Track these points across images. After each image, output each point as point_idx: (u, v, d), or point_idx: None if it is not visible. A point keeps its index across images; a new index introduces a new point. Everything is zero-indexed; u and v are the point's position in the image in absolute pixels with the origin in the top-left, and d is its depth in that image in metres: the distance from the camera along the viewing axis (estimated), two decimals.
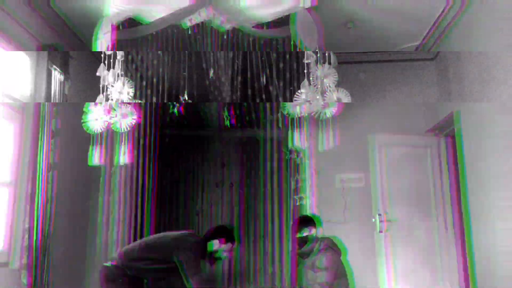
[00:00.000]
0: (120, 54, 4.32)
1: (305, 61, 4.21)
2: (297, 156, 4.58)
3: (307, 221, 4.42)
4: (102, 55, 4.28)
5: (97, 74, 4.29)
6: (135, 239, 4.89)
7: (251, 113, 4.56)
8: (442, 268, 5.60)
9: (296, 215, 4.84)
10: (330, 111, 4.23)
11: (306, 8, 4.40)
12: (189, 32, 4.34)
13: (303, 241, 4.28)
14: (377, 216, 5.54)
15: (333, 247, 4.33)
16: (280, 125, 4.40)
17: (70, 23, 5.25)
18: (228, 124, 4.51)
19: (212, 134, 6.07)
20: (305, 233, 4.30)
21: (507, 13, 4.09)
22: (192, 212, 6.17)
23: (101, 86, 4.24)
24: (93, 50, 4.39)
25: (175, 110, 4.51)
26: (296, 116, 4.29)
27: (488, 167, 4.49)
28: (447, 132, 5.67)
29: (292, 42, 4.24)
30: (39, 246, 4.53)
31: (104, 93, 4.25)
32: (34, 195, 4.56)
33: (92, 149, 4.33)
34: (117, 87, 4.28)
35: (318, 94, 4.20)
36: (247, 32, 4.45)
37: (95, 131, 4.31)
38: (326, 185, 5.77)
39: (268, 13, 4.50)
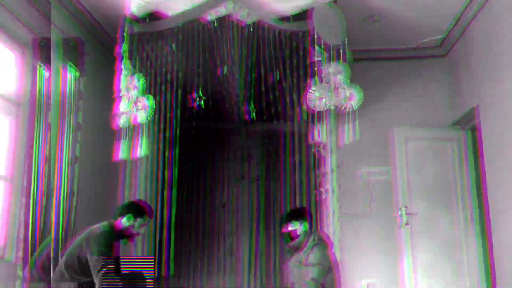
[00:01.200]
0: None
1: (316, 59, 4.20)
2: (322, 149, 4.57)
3: (296, 215, 4.34)
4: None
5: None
6: (161, 232, 4.90)
7: (276, 106, 4.57)
8: (464, 262, 5.57)
9: (319, 208, 4.83)
10: (355, 104, 4.23)
11: (329, 2, 4.39)
12: (216, 25, 4.34)
13: (292, 236, 4.20)
14: (403, 208, 5.53)
15: (322, 241, 4.20)
16: (305, 118, 4.39)
17: (96, 15, 5.26)
18: (254, 116, 4.51)
19: (236, 127, 6.07)
20: (293, 227, 4.22)
21: None
22: (216, 205, 6.17)
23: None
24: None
25: (201, 102, 4.51)
26: (321, 109, 4.29)
27: (508, 160, 4.48)
28: (471, 126, 5.64)
29: (314, 36, 4.23)
30: (35, 240, 4.50)
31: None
32: (30, 188, 4.54)
33: (121, 143, 4.33)
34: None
35: (331, 91, 4.20)
36: (271, 25, 4.45)
37: (125, 125, 4.31)
38: (349, 179, 5.77)
39: (290, 6, 4.49)
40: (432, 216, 5.63)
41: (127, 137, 4.33)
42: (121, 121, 4.30)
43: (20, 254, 4.38)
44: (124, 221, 3.87)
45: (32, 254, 4.36)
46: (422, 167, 5.72)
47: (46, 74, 4.71)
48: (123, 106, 4.29)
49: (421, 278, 5.49)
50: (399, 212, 5.54)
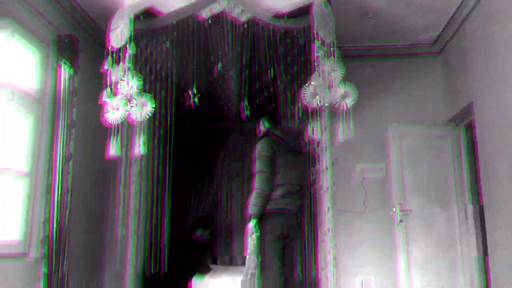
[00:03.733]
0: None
1: (316, 54, 4.18)
2: (318, 146, 4.57)
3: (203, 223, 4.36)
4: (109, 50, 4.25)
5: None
6: (154, 231, 4.90)
7: (271, 104, 4.57)
8: (459, 259, 5.60)
9: (315, 205, 4.84)
10: (350, 102, 4.23)
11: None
12: (210, 22, 4.33)
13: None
14: (397, 205, 5.54)
15: None
16: (301, 115, 4.39)
17: (90, 12, 5.25)
18: (248, 114, 4.51)
19: (231, 125, 6.07)
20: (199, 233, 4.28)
21: None
22: (210, 202, 6.17)
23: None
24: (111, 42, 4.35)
25: (196, 99, 4.51)
26: (316, 106, 4.28)
27: (501, 158, 4.49)
28: (466, 123, 5.66)
29: (313, 33, 4.21)
30: (57, 237, 4.54)
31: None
32: (51, 186, 4.57)
33: (111, 141, 4.32)
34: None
35: (325, 88, 4.19)
36: (266, 22, 4.44)
37: (115, 122, 4.30)
38: (344, 176, 5.79)
39: (287, 3, 4.48)
40: (427, 213, 5.66)
41: (119, 134, 4.31)
42: (112, 117, 4.28)
43: (45, 251, 4.45)
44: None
45: (56, 252, 4.40)
46: (418, 165, 5.74)
47: (71, 71, 4.73)
48: (115, 102, 4.27)
49: (416, 275, 5.51)
50: (398, 208, 5.55)
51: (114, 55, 4.31)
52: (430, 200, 5.68)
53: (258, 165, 4.07)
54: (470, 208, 5.69)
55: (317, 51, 4.10)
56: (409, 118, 6.00)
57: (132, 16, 4.29)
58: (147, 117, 4.38)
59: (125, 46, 4.27)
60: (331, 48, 4.20)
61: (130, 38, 4.24)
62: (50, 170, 4.60)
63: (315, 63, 4.11)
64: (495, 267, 4.77)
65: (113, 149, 4.38)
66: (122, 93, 4.32)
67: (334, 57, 4.20)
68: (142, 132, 4.48)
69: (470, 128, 5.60)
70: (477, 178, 5.29)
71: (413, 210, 5.60)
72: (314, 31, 4.10)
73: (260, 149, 4.11)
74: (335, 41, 4.20)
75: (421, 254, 5.56)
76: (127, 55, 4.25)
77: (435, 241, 5.61)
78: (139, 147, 4.49)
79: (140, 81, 4.33)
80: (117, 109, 4.25)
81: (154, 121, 4.70)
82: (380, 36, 5.81)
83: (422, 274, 5.52)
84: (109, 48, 4.26)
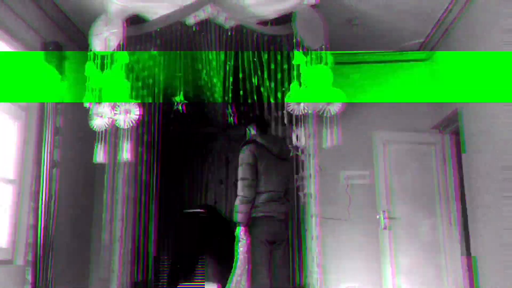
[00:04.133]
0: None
1: (295, 63, 4.19)
2: (302, 153, 4.58)
3: None
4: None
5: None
6: (138, 236, 4.90)
7: (255, 110, 4.58)
8: (445, 265, 5.60)
9: (301, 212, 4.84)
10: (334, 108, 4.24)
11: (310, 5, 4.39)
12: (194, 29, 4.34)
13: None
14: (381, 213, 5.54)
15: None
16: (286, 122, 4.39)
17: (74, 19, 5.25)
18: (232, 121, 4.52)
19: (216, 131, 6.07)
20: None
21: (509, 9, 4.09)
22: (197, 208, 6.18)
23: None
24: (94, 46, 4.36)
25: (179, 107, 4.52)
26: (300, 113, 4.30)
27: (486, 164, 4.50)
28: (451, 129, 5.67)
29: (294, 40, 4.23)
30: (43, 243, 4.54)
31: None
32: (38, 192, 4.57)
33: (96, 147, 4.34)
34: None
35: (310, 95, 4.19)
36: (251, 29, 4.45)
37: (100, 128, 4.31)
38: (330, 182, 5.79)
39: (271, 10, 4.49)
40: (413, 219, 5.66)
41: (104, 141, 4.33)
42: (98, 124, 4.30)
43: (29, 258, 4.44)
44: None
45: (40, 258, 4.39)
46: (404, 171, 5.74)
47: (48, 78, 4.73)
48: (99, 108, 4.28)
49: (403, 281, 5.51)
50: (382, 215, 5.55)
51: (97, 60, 4.33)
52: (416, 207, 5.68)
53: (240, 172, 4.08)
54: (455, 214, 5.69)
55: (296, 60, 4.11)
56: (396, 124, 5.99)
57: (122, 24, 4.30)
58: (132, 124, 4.40)
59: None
60: (320, 54, 4.22)
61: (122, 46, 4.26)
62: (36, 177, 4.60)
63: (294, 72, 4.12)
64: (480, 271, 4.75)
65: (99, 155, 4.40)
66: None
67: (323, 63, 4.22)
68: (127, 139, 4.50)
69: (455, 135, 5.60)
70: (462, 184, 5.30)
71: (400, 217, 5.60)
72: (294, 39, 4.11)
73: (242, 156, 4.12)
74: (326, 46, 4.22)
75: (408, 260, 5.55)
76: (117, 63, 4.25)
77: (421, 248, 5.60)
78: (124, 154, 4.51)
79: (127, 85, 4.35)
80: (101, 116, 4.27)
81: (140, 128, 4.70)
82: (367, 42, 5.81)
83: (409, 281, 5.51)
84: (91, 53, 4.27)
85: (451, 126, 5.59)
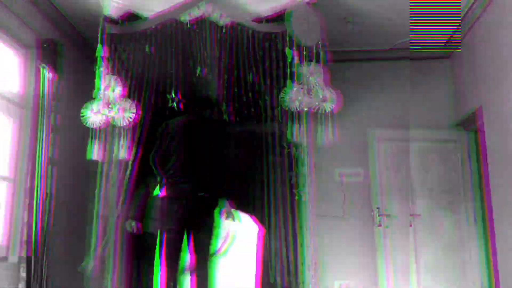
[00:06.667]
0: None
1: (288, 60, 4.20)
2: (296, 150, 4.57)
3: None
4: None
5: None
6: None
7: (251, 108, 4.57)
8: (467, 264, 5.62)
9: (296, 209, 4.83)
10: (329, 106, 4.25)
11: (306, 3, 4.40)
12: (188, 26, 4.35)
13: None
14: (375, 210, 5.55)
15: None
16: (280, 119, 4.40)
17: (70, 17, 5.25)
18: (227, 118, 4.52)
19: None
20: None
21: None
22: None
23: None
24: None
25: (174, 104, 4.52)
26: (295, 110, 4.31)
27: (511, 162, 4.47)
28: (474, 127, 5.63)
29: (288, 38, 4.25)
30: (38, 241, 4.54)
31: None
32: (33, 190, 4.57)
33: (91, 144, 4.35)
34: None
35: (305, 93, 4.21)
36: (246, 26, 4.46)
37: (95, 126, 4.32)
38: (325, 180, 5.78)
39: (267, 7, 4.50)
40: (435, 217, 5.67)
41: (99, 138, 4.34)
42: (92, 121, 4.31)
43: (23, 255, 4.46)
44: None
45: (35, 255, 4.40)
46: (399, 168, 5.75)
47: (50, 75, 4.74)
48: (95, 106, 4.30)
49: (425, 279, 5.54)
50: (376, 212, 5.56)
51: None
52: (438, 205, 5.69)
53: None
54: (478, 211, 5.68)
55: (289, 57, 4.12)
56: (391, 121, 5.99)
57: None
58: (128, 122, 4.41)
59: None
60: (315, 51, 4.23)
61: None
62: (32, 174, 4.60)
63: (288, 69, 4.13)
64: (503, 273, 4.73)
65: (93, 152, 4.41)
66: (101, 97, 4.36)
67: (318, 61, 4.23)
68: (123, 137, 4.52)
69: (477, 132, 5.58)
70: (484, 182, 5.31)
71: (395, 214, 5.61)
72: (288, 37, 4.13)
73: None
74: (322, 43, 4.23)
75: (403, 258, 5.55)
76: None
77: (443, 246, 5.63)
78: (120, 151, 4.52)
79: (119, 86, 4.37)
80: (96, 112, 4.28)
81: (135, 125, 4.70)
82: (362, 39, 5.81)
83: (430, 278, 5.55)
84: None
85: (473, 123, 5.53)
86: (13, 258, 4.47)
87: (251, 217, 4.31)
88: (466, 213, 5.70)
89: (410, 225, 5.58)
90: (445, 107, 6.06)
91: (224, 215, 4.10)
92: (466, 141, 5.85)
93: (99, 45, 4.36)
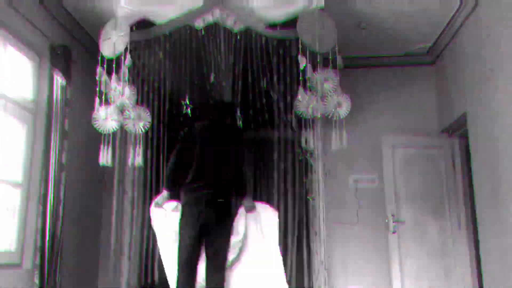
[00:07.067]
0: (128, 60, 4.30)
1: (301, 67, 4.18)
2: (310, 156, 4.57)
3: None
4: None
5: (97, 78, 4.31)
6: (148, 240, 4.89)
7: (264, 114, 4.57)
8: (453, 268, 5.57)
9: (309, 214, 4.83)
10: (343, 112, 4.24)
11: (319, 9, 4.38)
12: (203, 33, 4.34)
13: None
14: (390, 216, 5.52)
15: None
16: (294, 125, 4.39)
17: (83, 23, 5.26)
18: (241, 124, 4.50)
19: None
20: None
21: None
22: None
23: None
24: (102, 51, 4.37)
25: (188, 110, 4.51)
26: (309, 117, 4.30)
27: (496, 167, 4.48)
28: (460, 133, 5.66)
29: (301, 44, 4.22)
30: (51, 247, 4.54)
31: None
32: (45, 196, 4.57)
33: (104, 150, 4.34)
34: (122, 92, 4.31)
35: (318, 99, 4.19)
36: (259, 33, 4.45)
37: (106, 132, 4.32)
38: (338, 186, 5.77)
39: (280, 13, 4.48)
40: (421, 222, 5.64)
41: (111, 143, 4.34)
42: (104, 126, 4.31)
43: (37, 261, 4.45)
44: None
45: (48, 262, 4.37)
46: (412, 174, 5.72)
47: (62, 81, 4.74)
48: (108, 111, 4.29)
49: (410, 284, 5.48)
50: (390, 219, 5.53)
51: (106, 65, 4.34)
52: (424, 210, 5.66)
53: None
54: (463, 217, 5.67)
55: (301, 64, 4.11)
56: (404, 127, 5.97)
57: (128, 28, 4.31)
58: (143, 130, 4.41)
59: (119, 57, 4.32)
60: (329, 58, 4.21)
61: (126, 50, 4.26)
62: (44, 180, 4.60)
63: (301, 77, 4.12)
64: (487, 277, 4.75)
65: (104, 158, 4.41)
66: (115, 103, 4.35)
67: (332, 67, 4.21)
68: (138, 143, 4.51)
69: (464, 138, 5.58)
70: (470, 187, 5.29)
71: (406, 220, 5.59)
72: (301, 43, 4.11)
73: None
74: (336, 49, 4.21)
75: (415, 263, 5.53)
76: (123, 67, 4.25)
77: (429, 251, 5.58)
78: (136, 158, 4.51)
79: (134, 93, 4.37)
80: (107, 118, 4.27)
81: (148, 132, 4.70)
82: (374, 45, 5.81)
83: (415, 283, 5.49)
84: (100, 57, 4.29)
85: (459, 129, 5.57)
86: (27, 265, 4.46)
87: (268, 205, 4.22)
88: (452, 219, 5.68)
89: (394, 232, 5.54)
90: (431, 113, 6.06)
91: (246, 209, 4.03)
92: (452, 146, 5.84)
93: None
